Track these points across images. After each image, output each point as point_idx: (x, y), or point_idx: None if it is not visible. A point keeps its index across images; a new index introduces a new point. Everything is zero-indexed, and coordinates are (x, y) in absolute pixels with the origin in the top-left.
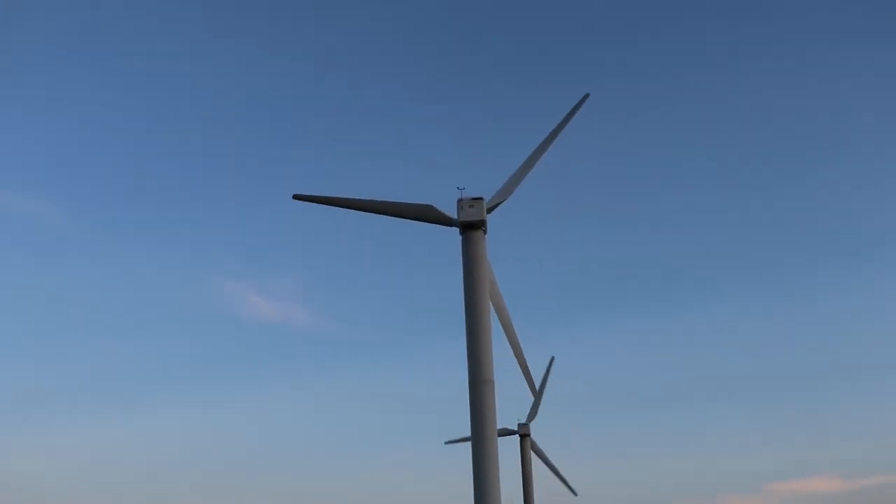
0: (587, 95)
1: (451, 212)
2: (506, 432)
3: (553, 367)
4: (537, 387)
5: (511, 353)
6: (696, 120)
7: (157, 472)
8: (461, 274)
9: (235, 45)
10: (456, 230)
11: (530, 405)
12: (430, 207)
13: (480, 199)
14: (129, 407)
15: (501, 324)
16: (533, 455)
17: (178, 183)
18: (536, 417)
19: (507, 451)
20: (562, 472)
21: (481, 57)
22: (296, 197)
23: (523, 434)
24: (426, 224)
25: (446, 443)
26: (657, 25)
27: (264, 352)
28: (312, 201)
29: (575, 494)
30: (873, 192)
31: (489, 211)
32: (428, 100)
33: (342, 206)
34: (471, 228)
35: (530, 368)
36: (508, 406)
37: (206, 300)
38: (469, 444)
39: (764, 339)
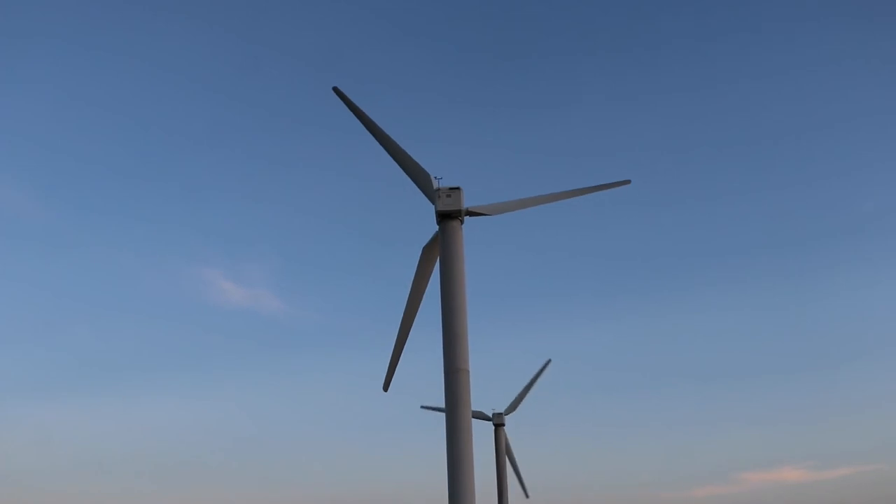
0: (628, 182)
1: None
2: (480, 416)
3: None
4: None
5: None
6: (690, 106)
7: (131, 458)
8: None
9: (216, 34)
10: (431, 209)
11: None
12: (427, 175)
13: (458, 188)
14: (103, 394)
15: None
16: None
17: (154, 170)
18: (517, 412)
19: (479, 437)
20: (523, 470)
21: (470, 46)
22: (335, 89)
23: (498, 424)
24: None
25: (422, 407)
26: (651, 13)
27: (237, 338)
28: (346, 102)
29: (527, 496)
30: (862, 186)
31: (471, 215)
32: (406, 88)
33: (364, 123)
34: (448, 218)
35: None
36: (488, 396)
37: (180, 287)
38: (442, 416)
39: (735, 331)
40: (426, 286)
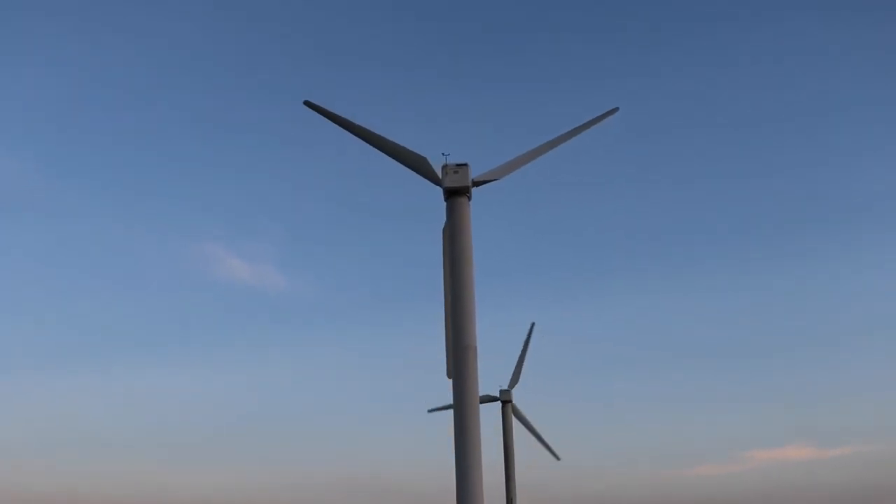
0: (616, 110)
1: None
2: (487, 399)
3: (534, 333)
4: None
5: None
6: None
7: (133, 434)
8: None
9: (217, 11)
10: (441, 191)
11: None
12: (423, 160)
13: (465, 165)
14: (106, 370)
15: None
16: (515, 421)
17: (159, 146)
18: (519, 384)
19: (489, 419)
20: (544, 438)
21: (473, 23)
22: (306, 103)
23: (505, 400)
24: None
25: (429, 411)
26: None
27: (242, 314)
28: (321, 112)
29: (558, 459)
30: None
31: (478, 184)
32: (410, 66)
33: (345, 127)
34: (455, 194)
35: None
36: (491, 373)
37: (184, 263)
38: (451, 412)
39: (740, 309)
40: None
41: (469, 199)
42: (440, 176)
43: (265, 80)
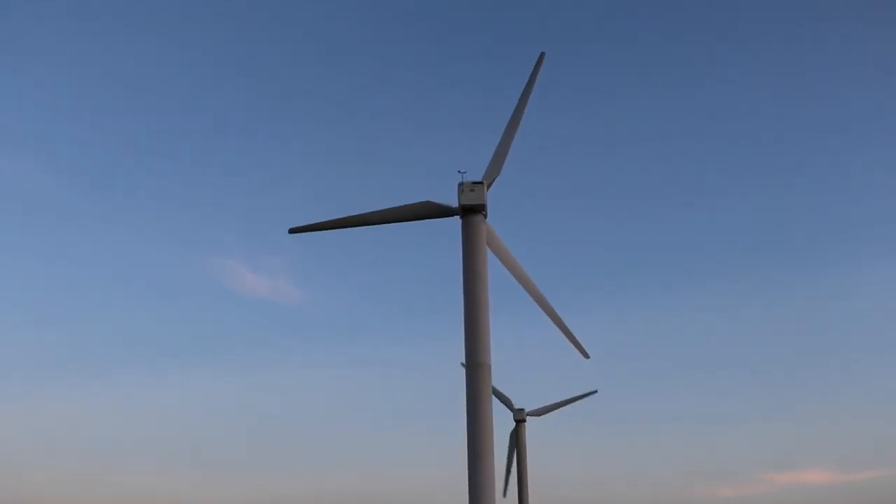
0: (543, 54)
1: (448, 197)
2: (503, 398)
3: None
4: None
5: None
6: (695, 107)
7: (144, 445)
8: (460, 257)
9: (234, 25)
10: (456, 218)
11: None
12: (427, 203)
13: (481, 183)
14: (122, 381)
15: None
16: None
17: (174, 157)
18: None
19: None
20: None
21: (471, 35)
22: (292, 231)
23: (519, 420)
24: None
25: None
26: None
27: (258, 327)
28: (309, 230)
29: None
30: (870, 184)
31: (476, 184)
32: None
33: (339, 227)
34: (471, 212)
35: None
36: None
37: (202, 277)
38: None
39: (761, 330)
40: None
41: (485, 216)
42: (457, 193)
43: (282, 93)
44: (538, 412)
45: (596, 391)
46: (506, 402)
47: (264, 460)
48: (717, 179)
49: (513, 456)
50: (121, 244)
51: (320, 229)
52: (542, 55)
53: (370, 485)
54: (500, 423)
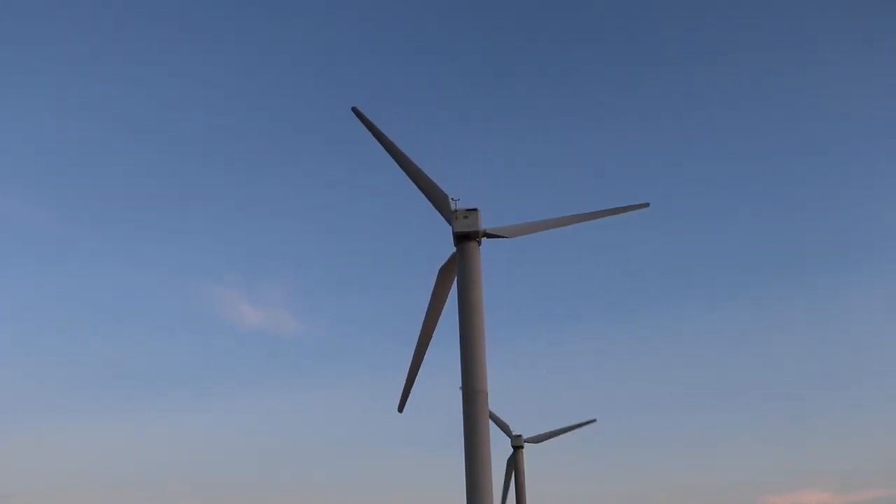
0: (647, 205)
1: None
2: (501, 423)
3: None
4: None
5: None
6: (699, 117)
7: (143, 476)
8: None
9: (230, 46)
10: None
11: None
12: (446, 197)
13: (476, 210)
14: (116, 412)
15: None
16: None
17: (171, 188)
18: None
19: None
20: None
21: (479, 57)
22: (354, 109)
23: (517, 446)
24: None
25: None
26: (655, 22)
27: (255, 359)
28: (365, 122)
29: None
30: (875, 197)
31: (488, 236)
32: (423, 105)
33: (384, 146)
34: (465, 239)
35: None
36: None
37: (198, 307)
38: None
39: (760, 350)
40: (442, 307)
41: (479, 244)
42: (451, 220)
43: (280, 121)
44: (536, 439)
45: (595, 420)
46: (504, 427)
47: (262, 492)
48: (712, 201)
49: (510, 481)
50: (114, 276)
51: (371, 130)
52: (645, 205)
53: None
54: (498, 450)
